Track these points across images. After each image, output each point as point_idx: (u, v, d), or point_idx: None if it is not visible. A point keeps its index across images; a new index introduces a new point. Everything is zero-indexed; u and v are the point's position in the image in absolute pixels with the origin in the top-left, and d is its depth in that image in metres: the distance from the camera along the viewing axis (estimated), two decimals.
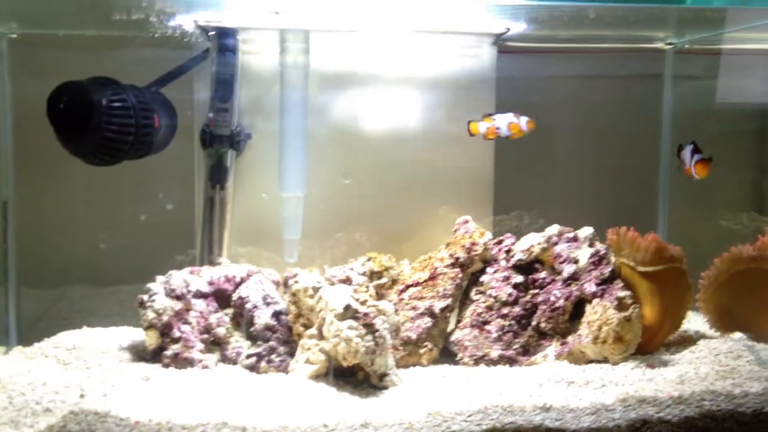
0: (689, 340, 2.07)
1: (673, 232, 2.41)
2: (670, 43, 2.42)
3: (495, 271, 2.10)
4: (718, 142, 2.43)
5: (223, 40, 2.16)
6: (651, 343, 1.98)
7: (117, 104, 1.89)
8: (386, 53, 2.29)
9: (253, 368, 1.92)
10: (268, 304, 2.00)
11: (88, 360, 1.91)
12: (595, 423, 1.59)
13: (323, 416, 1.57)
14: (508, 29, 2.20)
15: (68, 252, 2.30)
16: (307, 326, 1.94)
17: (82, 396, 1.61)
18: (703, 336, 2.11)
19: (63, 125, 1.86)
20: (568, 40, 2.40)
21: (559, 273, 2.06)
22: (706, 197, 2.46)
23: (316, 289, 1.95)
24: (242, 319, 1.99)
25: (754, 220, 2.41)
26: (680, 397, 1.65)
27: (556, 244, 2.10)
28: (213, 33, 2.16)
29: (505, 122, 2.13)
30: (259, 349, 1.94)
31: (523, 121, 2.12)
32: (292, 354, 1.95)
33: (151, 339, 1.93)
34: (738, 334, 2.08)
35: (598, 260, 2.03)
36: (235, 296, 2.02)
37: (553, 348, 2.00)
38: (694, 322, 2.20)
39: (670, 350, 2.01)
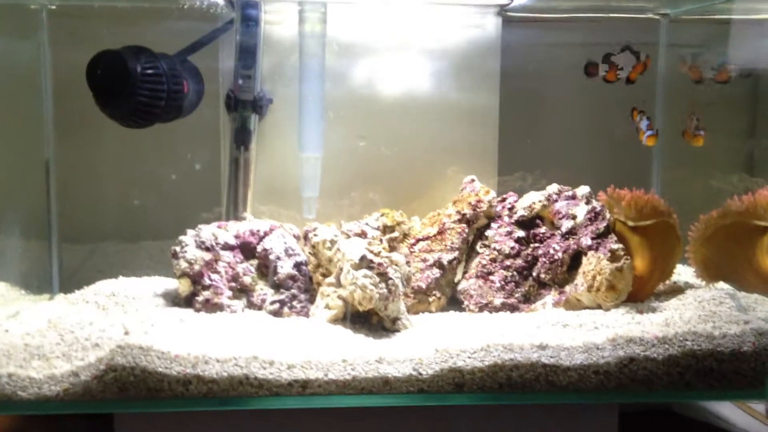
0: (678, 290, 2.19)
1: (667, 192, 2.50)
2: (664, 14, 2.53)
3: (499, 227, 2.25)
4: (710, 107, 2.55)
5: (247, 11, 2.29)
6: (641, 292, 2.12)
7: (150, 71, 2.04)
8: (397, 24, 2.40)
9: (276, 313, 2.08)
10: (289, 255, 2.16)
11: (125, 305, 2.07)
12: (586, 360, 1.75)
13: (342, 353, 1.74)
14: (512, 0, 2.32)
15: (103, 209, 2.44)
16: (325, 275, 2.10)
17: (126, 333, 1.78)
18: (691, 286, 2.22)
19: (101, 90, 2.02)
20: (570, 10, 2.50)
21: (558, 228, 2.21)
22: (699, 159, 2.55)
23: (333, 242, 2.10)
24: (266, 270, 2.15)
25: (744, 181, 2.49)
26: (665, 337, 1.78)
27: (555, 201, 2.25)
28: (237, 4, 2.29)
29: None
30: (282, 296, 2.11)
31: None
32: (312, 301, 2.11)
33: (183, 286, 2.09)
34: (722, 284, 2.20)
35: (594, 216, 2.18)
36: (259, 248, 2.18)
37: (551, 297, 2.15)
38: (684, 274, 2.32)
39: (659, 298, 2.13)
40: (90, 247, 2.45)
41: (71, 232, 2.42)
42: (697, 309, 2.01)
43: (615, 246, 2.07)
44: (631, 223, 2.13)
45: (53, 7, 2.33)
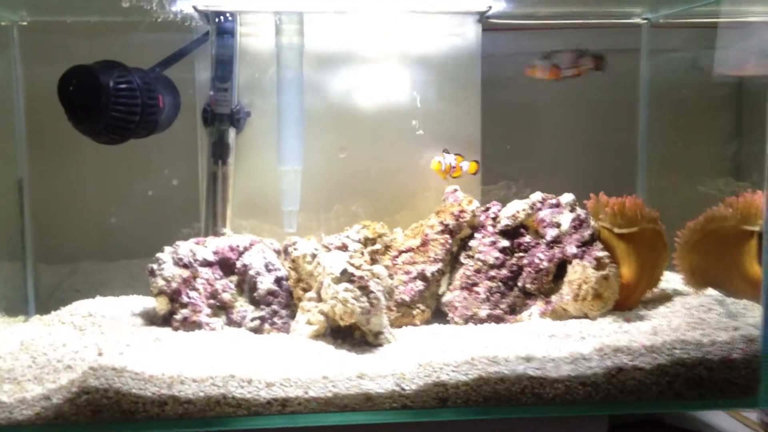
0: (666, 297, 2.16)
1: (653, 198, 2.50)
2: (645, 18, 2.52)
3: (483, 237, 2.22)
4: (695, 111, 2.54)
5: (222, 24, 2.27)
6: (629, 300, 2.08)
7: (123, 86, 2.01)
8: (376, 33, 2.38)
9: (257, 330, 2.04)
10: (269, 270, 2.12)
11: (102, 325, 2.03)
12: (573, 371, 1.71)
13: (323, 369, 1.70)
14: (490, 7, 2.29)
15: (80, 227, 2.41)
16: (306, 290, 2.06)
17: (100, 354, 1.74)
18: (679, 293, 2.19)
19: (73, 106, 1.98)
20: (548, 17, 2.48)
21: (543, 237, 2.17)
22: (684, 165, 2.55)
23: (314, 256, 2.07)
24: (246, 285, 2.11)
25: (730, 185, 2.48)
26: (653, 346, 1.75)
27: (539, 210, 2.22)
28: (212, 17, 2.26)
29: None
30: (262, 313, 2.07)
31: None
32: (293, 316, 2.07)
33: (161, 304, 2.05)
34: (711, 291, 2.18)
35: (578, 224, 2.15)
36: (238, 264, 2.14)
37: (537, 307, 2.11)
38: (672, 281, 2.29)
39: (647, 306, 2.10)
40: (67, 267, 2.43)
41: (47, 251, 2.39)
42: (685, 316, 1.98)
43: (600, 254, 2.05)
44: (617, 230, 2.10)
45: (24, 23, 2.30)
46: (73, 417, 1.60)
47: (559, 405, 1.71)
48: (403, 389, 1.68)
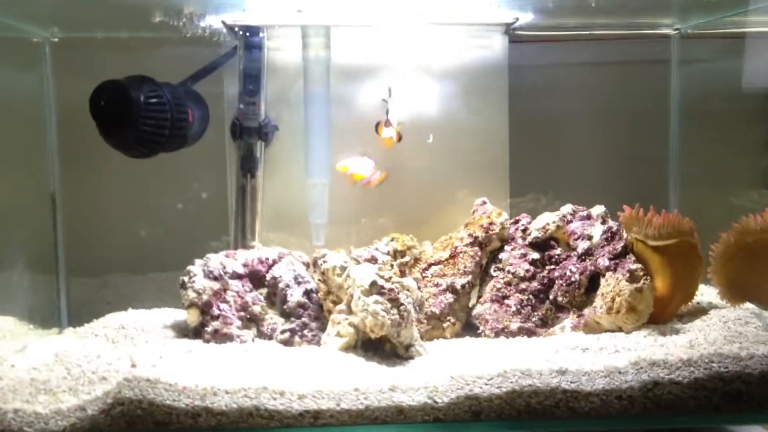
0: (701, 311, 2.12)
1: (685, 210, 2.45)
2: (675, 29, 2.51)
3: (512, 249, 2.20)
4: (727, 122, 2.51)
5: (250, 38, 2.29)
6: (663, 314, 2.05)
7: (154, 100, 2.03)
8: (403, 46, 2.39)
9: (287, 343, 2.04)
10: (299, 283, 2.12)
11: (134, 338, 2.04)
12: (608, 385, 1.68)
13: (354, 381, 1.68)
14: (517, 19, 2.29)
15: (110, 241, 2.43)
16: (336, 303, 2.05)
17: (133, 366, 1.73)
18: (714, 307, 2.16)
19: (105, 120, 2.00)
20: (576, 28, 2.47)
21: (574, 249, 2.15)
22: (717, 176, 2.52)
23: (343, 268, 2.06)
24: (276, 298, 2.12)
25: (764, 197, 2.45)
26: (690, 359, 1.71)
27: (570, 222, 2.20)
28: (240, 31, 2.28)
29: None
30: (292, 325, 2.06)
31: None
32: (322, 329, 2.06)
33: (192, 317, 2.05)
34: (747, 304, 2.14)
35: (610, 236, 2.12)
36: (268, 277, 2.14)
37: (569, 320, 2.09)
38: (707, 294, 2.26)
39: (682, 320, 2.07)
40: (98, 280, 2.44)
41: (79, 265, 2.41)
42: (722, 330, 1.95)
43: (634, 266, 2.02)
44: (651, 243, 2.07)
45: (56, 39, 2.34)
46: (108, 428, 1.59)
47: (595, 419, 1.68)
48: (436, 402, 1.66)
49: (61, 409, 1.62)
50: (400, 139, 2.30)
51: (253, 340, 2.04)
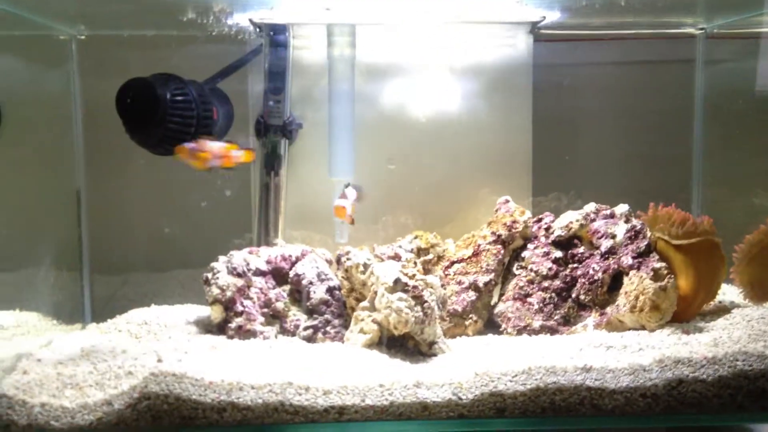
0: (724, 310, 2.12)
1: (708, 211, 2.47)
2: (701, 28, 2.49)
3: (535, 247, 2.20)
4: (752, 123, 2.49)
5: (275, 36, 2.30)
6: (686, 312, 2.05)
7: (179, 98, 2.04)
8: (428, 44, 2.40)
9: (310, 339, 2.05)
10: (322, 280, 2.13)
11: (158, 333, 2.06)
12: (633, 382, 1.68)
13: (379, 377, 1.69)
14: (544, 18, 2.29)
15: (134, 237, 2.44)
16: (359, 300, 2.06)
17: (159, 361, 1.75)
18: (736, 306, 2.16)
19: (131, 118, 2.01)
20: (601, 27, 2.47)
21: (597, 248, 2.15)
22: (741, 176, 2.51)
23: (366, 266, 2.07)
24: (299, 295, 2.13)
25: None
26: (714, 358, 1.71)
27: (593, 220, 2.20)
28: (266, 29, 2.29)
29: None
30: (315, 322, 2.07)
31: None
32: (346, 326, 2.07)
33: (216, 313, 2.07)
34: None
35: (634, 235, 2.12)
36: (291, 273, 2.15)
37: (592, 318, 2.09)
38: (729, 293, 2.26)
39: (705, 319, 2.07)
40: (121, 277, 2.45)
41: (102, 261, 2.42)
42: (745, 328, 1.94)
43: (658, 265, 2.01)
44: (674, 242, 2.06)
45: (82, 37, 2.36)
46: (134, 422, 1.60)
47: (619, 417, 1.68)
48: (460, 398, 1.66)
49: (88, 403, 1.63)
50: (352, 222, 2.25)
51: (276, 337, 2.05)
